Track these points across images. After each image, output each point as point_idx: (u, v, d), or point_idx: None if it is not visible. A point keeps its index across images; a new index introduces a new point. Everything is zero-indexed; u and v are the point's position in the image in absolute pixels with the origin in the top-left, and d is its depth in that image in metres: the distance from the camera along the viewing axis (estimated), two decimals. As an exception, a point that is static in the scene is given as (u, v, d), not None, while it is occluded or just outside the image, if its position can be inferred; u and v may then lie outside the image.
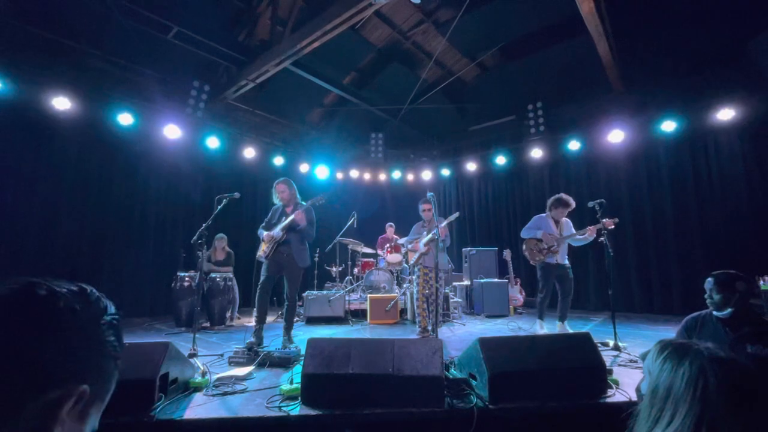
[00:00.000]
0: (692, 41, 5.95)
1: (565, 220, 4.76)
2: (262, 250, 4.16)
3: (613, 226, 4.25)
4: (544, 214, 4.81)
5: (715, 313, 2.35)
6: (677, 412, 0.77)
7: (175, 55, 6.31)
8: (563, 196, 4.71)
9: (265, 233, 4.15)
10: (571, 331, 4.51)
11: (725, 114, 5.92)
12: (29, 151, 5.53)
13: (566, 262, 4.62)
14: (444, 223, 4.42)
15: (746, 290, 2.20)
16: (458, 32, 6.27)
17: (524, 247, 4.78)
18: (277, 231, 4.06)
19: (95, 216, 6.05)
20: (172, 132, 6.56)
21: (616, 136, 6.84)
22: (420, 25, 6.97)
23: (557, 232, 4.65)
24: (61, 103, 5.53)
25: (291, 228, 4.08)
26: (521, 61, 7.39)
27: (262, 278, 4.07)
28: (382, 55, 7.61)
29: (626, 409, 0.98)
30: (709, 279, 2.37)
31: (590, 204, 4.33)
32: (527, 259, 4.81)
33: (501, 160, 8.33)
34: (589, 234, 4.44)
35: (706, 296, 2.39)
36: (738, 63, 5.81)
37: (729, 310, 2.25)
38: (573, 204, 4.69)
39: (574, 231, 4.67)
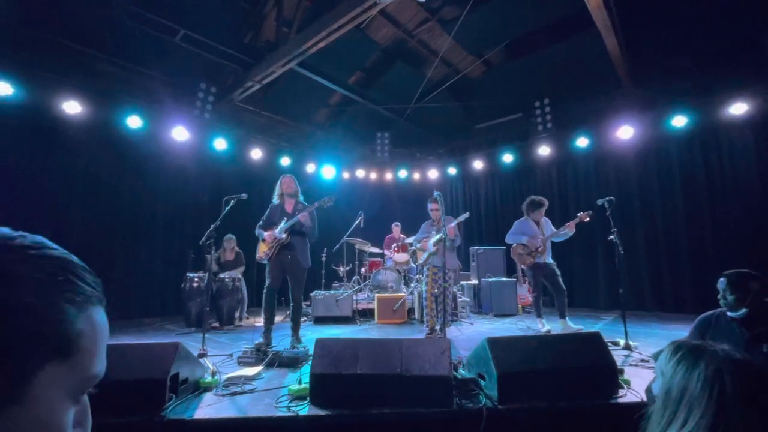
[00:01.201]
0: (703, 34, 5.84)
1: (545, 220, 4.95)
2: (263, 251, 4.13)
3: (588, 219, 4.56)
4: (523, 218, 4.99)
5: (729, 313, 2.31)
6: (692, 414, 0.75)
7: (182, 58, 6.36)
8: (536, 197, 4.97)
9: (266, 233, 4.10)
10: (573, 326, 4.59)
11: (738, 108, 5.80)
12: (40, 154, 5.61)
13: (551, 260, 4.80)
14: (453, 224, 4.44)
15: (760, 289, 2.15)
16: (464, 30, 6.23)
17: (512, 252, 4.96)
18: (280, 233, 4.02)
19: (105, 218, 6.13)
20: (180, 134, 6.62)
21: (625, 132, 6.75)
22: (425, 23, 6.94)
23: (540, 233, 4.82)
24: (72, 107, 5.62)
25: (294, 230, 4.06)
26: (528, 58, 7.31)
27: (267, 282, 4.06)
28: (387, 54, 7.59)
29: (638, 410, 0.97)
30: (722, 279, 2.32)
31: (599, 201, 4.30)
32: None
33: (508, 158, 8.27)
34: (568, 229, 4.68)
35: (719, 296, 2.34)
36: (750, 56, 5.68)
37: (743, 310, 2.21)
38: (546, 203, 4.95)
39: (554, 229, 4.86)
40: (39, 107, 5.48)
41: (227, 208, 3.94)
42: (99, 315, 0.42)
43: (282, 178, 4.36)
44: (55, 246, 0.42)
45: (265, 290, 4.06)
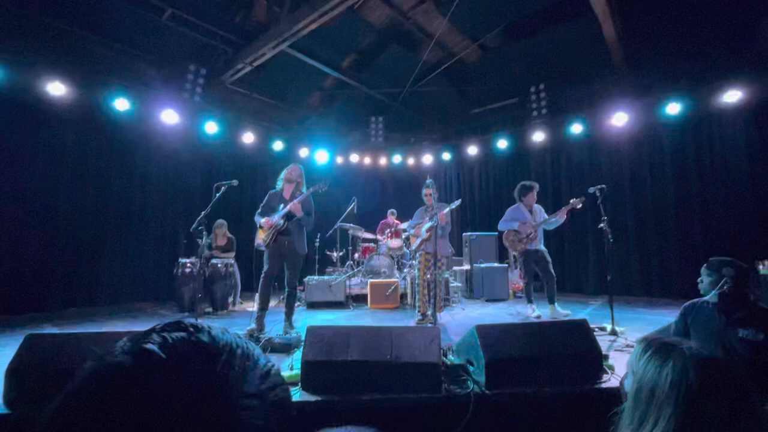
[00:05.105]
0: (699, 22, 5.78)
1: (537, 207, 4.99)
2: (261, 237, 4.14)
3: (580, 206, 4.66)
4: (516, 205, 5.01)
5: (706, 298, 2.38)
6: (662, 414, 0.77)
7: (170, 38, 6.17)
8: (526, 181, 5.04)
9: (263, 220, 4.10)
10: (562, 311, 4.70)
11: (731, 96, 5.79)
12: (26, 137, 5.46)
13: (542, 246, 4.87)
14: (445, 210, 4.44)
15: (734, 275, 2.21)
16: (460, 12, 6.10)
17: (503, 238, 5.01)
18: (277, 219, 4.02)
19: (95, 203, 6.03)
20: (169, 117, 6.48)
21: (619, 118, 6.73)
22: (420, 4, 6.76)
23: (532, 219, 4.86)
24: (57, 88, 5.45)
25: (289, 216, 4.07)
26: (524, 42, 7.19)
27: (265, 268, 4.08)
28: (381, 36, 7.43)
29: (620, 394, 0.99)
30: (704, 265, 2.42)
31: (591, 190, 4.33)
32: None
33: (502, 143, 8.23)
34: (560, 216, 4.74)
35: (698, 280, 2.43)
36: (745, 44, 5.65)
37: (713, 292, 2.29)
38: (537, 186, 5.03)
39: (546, 216, 4.90)
40: (23, 88, 5.29)
41: (218, 194, 3.91)
42: None
43: (292, 165, 4.38)
44: (279, 379, 0.43)
45: (262, 276, 4.08)
